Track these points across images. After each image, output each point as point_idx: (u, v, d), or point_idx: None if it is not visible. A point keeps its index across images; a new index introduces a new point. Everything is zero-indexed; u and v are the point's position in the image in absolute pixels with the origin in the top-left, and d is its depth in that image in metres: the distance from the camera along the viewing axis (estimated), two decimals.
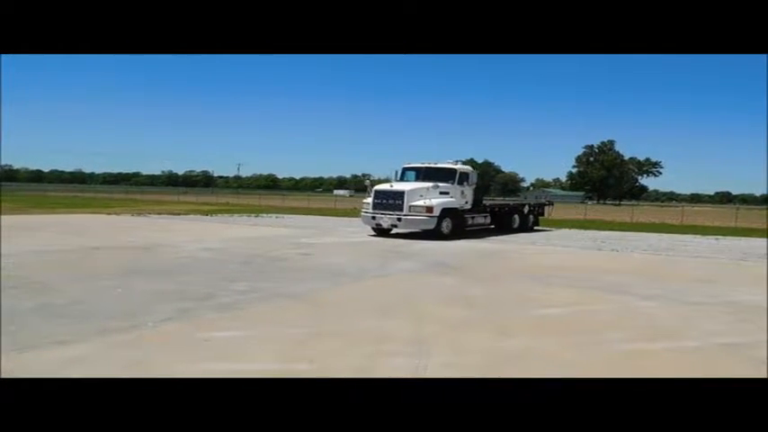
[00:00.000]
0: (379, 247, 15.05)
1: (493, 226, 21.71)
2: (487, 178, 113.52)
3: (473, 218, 20.36)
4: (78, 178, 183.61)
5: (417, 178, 19.68)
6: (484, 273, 11.12)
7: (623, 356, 5.57)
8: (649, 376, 4.76)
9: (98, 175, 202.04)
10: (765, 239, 21.90)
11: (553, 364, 5.21)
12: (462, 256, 13.56)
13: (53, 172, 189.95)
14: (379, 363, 5.09)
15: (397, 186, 18.87)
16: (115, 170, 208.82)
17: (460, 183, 19.62)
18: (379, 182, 20.50)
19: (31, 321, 6.11)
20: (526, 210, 24.09)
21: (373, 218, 18.77)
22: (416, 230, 18.52)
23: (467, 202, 19.97)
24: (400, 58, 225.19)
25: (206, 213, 31.22)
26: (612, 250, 16.15)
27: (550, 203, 28.45)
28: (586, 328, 6.69)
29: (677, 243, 19.27)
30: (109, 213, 28.42)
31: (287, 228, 21.97)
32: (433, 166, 20.41)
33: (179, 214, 29.74)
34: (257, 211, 36.28)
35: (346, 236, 18.99)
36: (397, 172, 20.42)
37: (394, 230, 19.20)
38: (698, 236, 23.29)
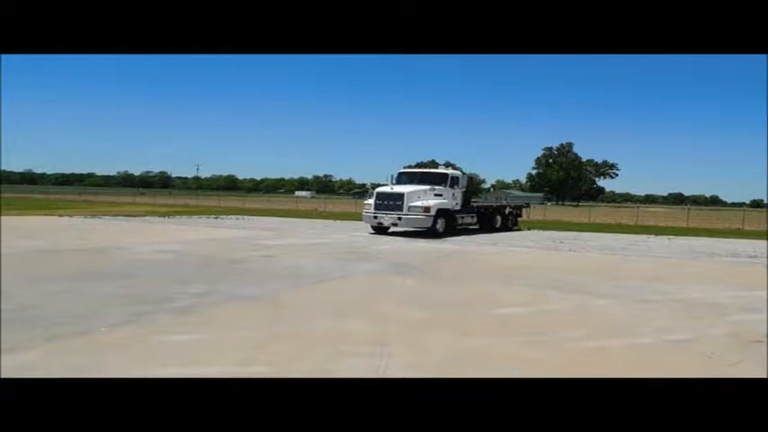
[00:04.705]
0: (343, 249, 15.02)
1: (478, 226, 23.13)
2: None
3: (462, 218, 21.87)
4: (28, 179, 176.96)
5: (412, 182, 21.33)
6: (445, 273, 11.22)
7: (580, 353, 5.69)
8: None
9: (50, 175, 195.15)
10: (712, 239, 22.83)
11: (513, 361, 5.30)
12: (424, 257, 13.65)
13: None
14: (339, 364, 5.07)
15: (398, 189, 20.29)
16: (68, 171, 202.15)
17: (452, 186, 21.32)
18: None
19: None
20: (507, 211, 25.86)
21: (375, 217, 20.29)
22: (413, 229, 19.92)
23: (457, 204, 21.57)
24: (363, 59, 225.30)
25: (163, 215, 30.53)
26: (570, 250, 16.52)
27: (527, 205, 30.60)
28: (544, 326, 6.82)
29: (632, 243, 19.83)
30: (61, 215, 27.47)
31: (248, 230, 21.70)
32: (426, 171, 23.45)
33: (135, 216, 29.02)
34: (217, 212, 35.70)
35: (309, 238, 18.87)
36: (392, 176, 22.00)
37: (392, 228, 20.52)
38: (652, 236, 24.04)
